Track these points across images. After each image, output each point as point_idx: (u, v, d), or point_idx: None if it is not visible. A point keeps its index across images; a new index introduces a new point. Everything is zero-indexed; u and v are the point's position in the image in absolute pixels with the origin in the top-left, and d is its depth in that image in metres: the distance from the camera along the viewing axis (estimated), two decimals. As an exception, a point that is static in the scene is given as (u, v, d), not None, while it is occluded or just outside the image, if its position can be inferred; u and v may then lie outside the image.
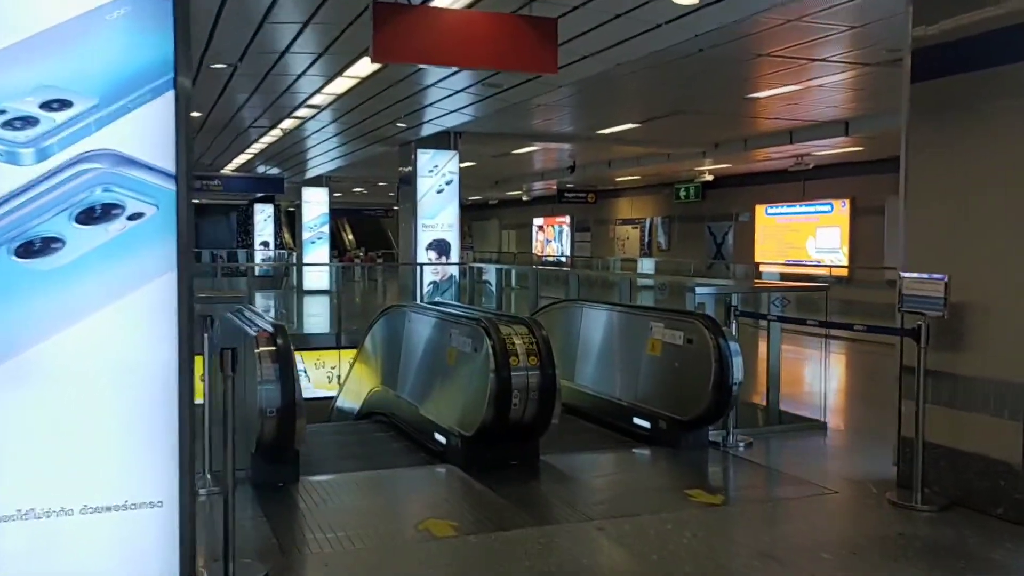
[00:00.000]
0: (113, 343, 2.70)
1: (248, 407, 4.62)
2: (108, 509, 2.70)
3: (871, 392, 8.17)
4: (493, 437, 4.99)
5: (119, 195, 2.70)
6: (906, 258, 4.71)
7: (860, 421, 6.82)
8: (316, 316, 16.31)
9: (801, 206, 18.41)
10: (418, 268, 12.81)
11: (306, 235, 21.75)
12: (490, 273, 12.83)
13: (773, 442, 5.93)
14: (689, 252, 21.57)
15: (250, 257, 31.61)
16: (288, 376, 4.48)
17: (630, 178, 21.82)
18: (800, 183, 18.07)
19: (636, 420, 5.98)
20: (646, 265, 22.11)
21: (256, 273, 28.67)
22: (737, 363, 5.42)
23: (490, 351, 4.93)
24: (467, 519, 4.16)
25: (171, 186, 2.75)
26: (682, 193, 21.79)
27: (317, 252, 21.47)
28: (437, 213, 13.15)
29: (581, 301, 7.22)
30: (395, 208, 34.25)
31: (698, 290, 6.13)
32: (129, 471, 2.73)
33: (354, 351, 12.18)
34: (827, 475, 5.11)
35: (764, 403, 6.55)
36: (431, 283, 13.07)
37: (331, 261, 23.52)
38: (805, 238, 18.30)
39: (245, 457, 4.74)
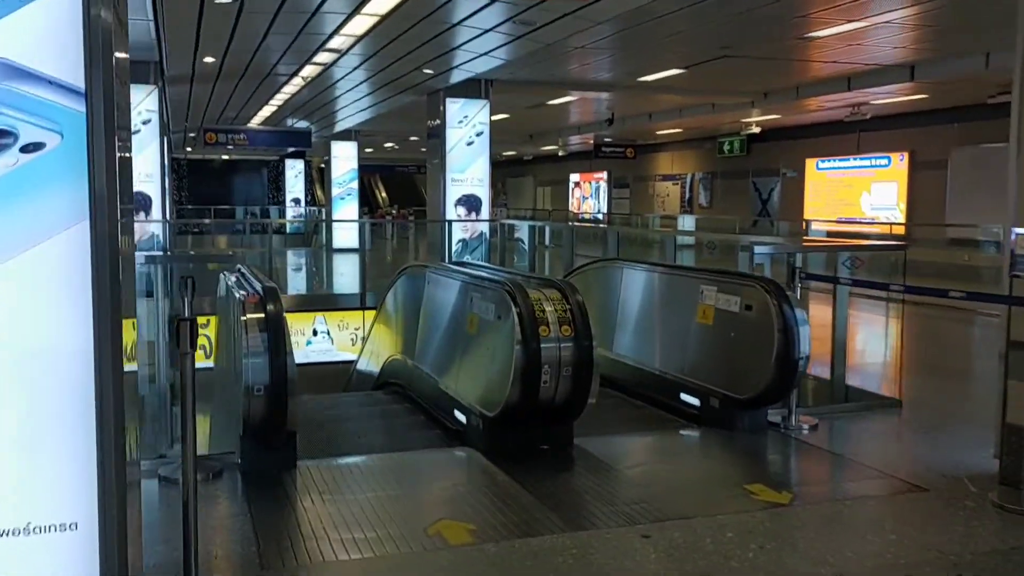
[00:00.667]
0: (3, 319, 2.04)
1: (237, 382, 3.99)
2: (3, 534, 2.06)
3: (947, 363, 7.35)
4: (519, 419, 4.31)
5: (8, 119, 2.01)
6: (1018, 212, 3.90)
7: (940, 399, 6.01)
8: (345, 275, 15.73)
9: (855, 160, 17.32)
10: (446, 225, 12.10)
11: (335, 191, 21.15)
12: (522, 230, 12.09)
13: (841, 424, 5.18)
14: (732, 209, 20.58)
15: (281, 214, 31.20)
16: (278, 348, 3.82)
17: (671, 131, 20.81)
18: (855, 135, 16.97)
19: (684, 396, 5.27)
20: (686, 223, 21.18)
21: (287, 230, 28.35)
22: (804, 333, 4.67)
23: (516, 319, 4.22)
24: (487, 521, 3.49)
25: (80, 107, 2.05)
26: (726, 147, 20.75)
27: (346, 209, 20.86)
28: (467, 167, 12.39)
29: (621, 261, 6.48)
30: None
31: (757, 248, 5.35)
32: (32, 486, 2.08)
33: (373, 313, 11.60)
34: (911, 467, 4.35)
35: (828, 377, 5.79)
36: (460, 241, 12.36)
37: (361, 217, 22.94)
38: (859, 194, 17.24)
39: (235, 440, 4.12)
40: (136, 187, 10.85)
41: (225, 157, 33.03)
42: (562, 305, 4.35)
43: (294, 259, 22.52)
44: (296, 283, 15.54)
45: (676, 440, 4.94)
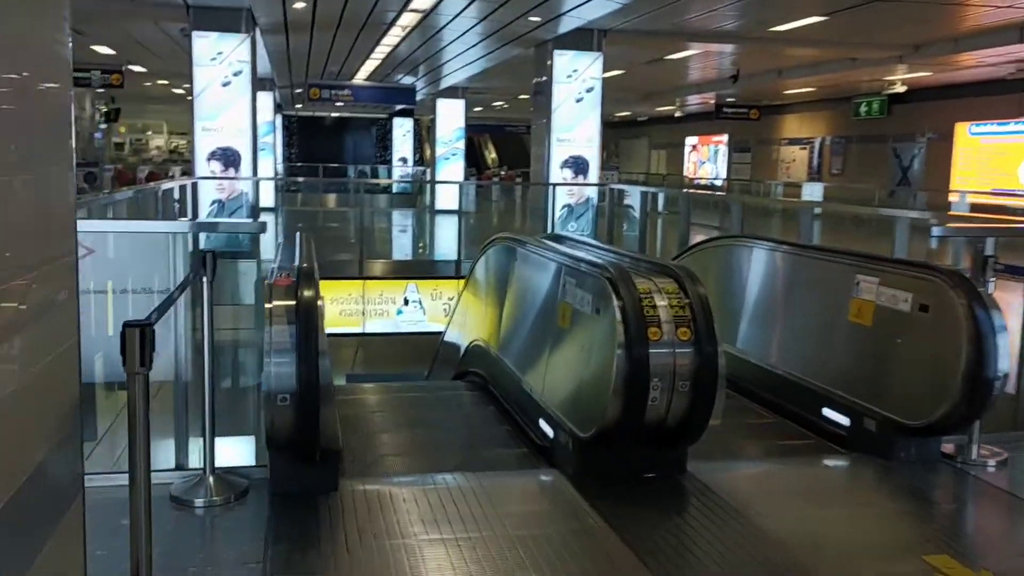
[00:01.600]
0: None
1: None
2: None
3: None
4: (619, 441, 3.36)
5: None
6: None
7: None
8: (446, 239, 15.03)
9: (1016, 124, 15.33)
10: (550, 189, 11.14)
11: (440, 151, 20.45)
12: (633, 196, 11.00)
13: (1038, 459, 4.01)
14: (867, 177, 18.80)
15: (389, 173, 30.89)
16: (309, 348, 2.98)
17: (802, 90, 19.11)
18: (1016, 96, 14.99)
19: (827, 412, 4.19)
20: (814, 191, 19.51)
21: (393, 190, 27.98)
22: (1003, 344, 3.53)
23: (618, 315, 3.26)
24: (567, 592, 2.58)
25: None
26: (863, 108, 18.91)
27: (451, 169, 20.14)
28: (574, 126, 11.37)
29: (749, 239, 5.38)
30: (538, 124, 32.62)
31: (936, 229, 4.18)
32: None
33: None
34: None
35: (1014, 393, 4.59)
36: (565, 207, 11.39)
37: (466, 179, 22.20)
38: (1018, 163, 15.28)
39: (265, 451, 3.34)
40: (226, 142, 10.34)
41: (335, 115, 32.92)
42: (679, 299, 3.35)
43: (399, 220, 22.06)
44: (395, 247, 14.94)
45: (821, 473, 3.88)
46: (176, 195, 9.90)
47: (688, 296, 3.37)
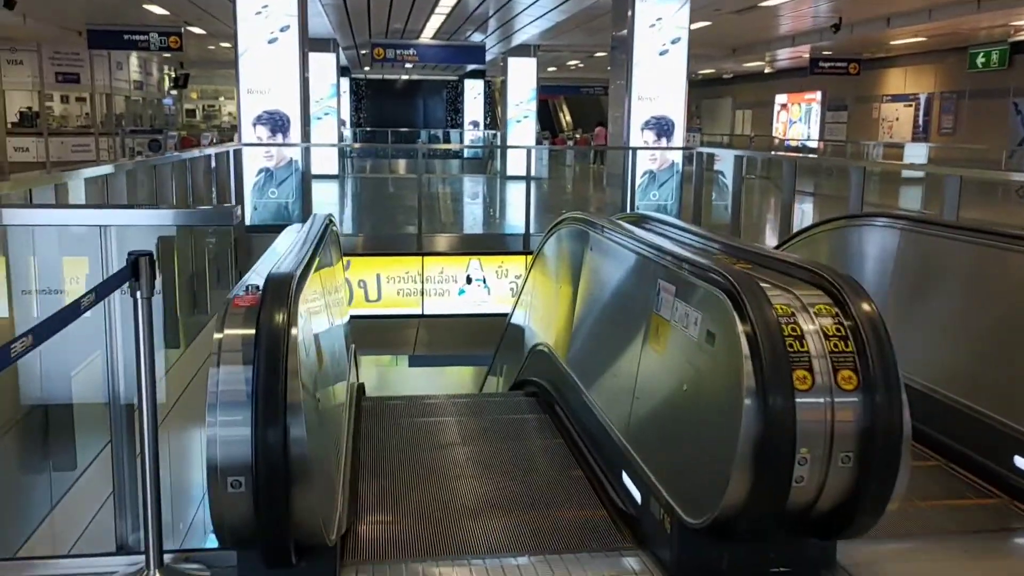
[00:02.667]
0: None
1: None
2: None
3: None
4: (746, 530, 2.26)
5: None
6: None
7: None
8: (517, 209, 13.93)
9: None
10: (629, 153, 9.93)
11: (511, 113, 19.29)
12: (724, 161, 9.73)
13: None
14: (982, 137, 16.92)
15: (460, 138, 29.91)
16: (274, 399, 1.95)
17: (911, 40, 17.25)
18: None
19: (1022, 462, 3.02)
20: (917, 152, 17.74)
21: (464, 155, 26.98)
22: None
23: (744, 348, 2.15)
24: None
25: None
26: (979, 60, 16.98)
27: (521, 132, 18.98)
28: (657, 82, 10.09)
29: (889, 218, 4.14)
30: (615, 85, 31.12)
31: None
32: None
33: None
34: None
35: None
36: (646, 172, 10.17)
37: (538, 143, 21.01)
38: None
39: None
40: (273, 105, 9.43)
41: (404, 77, 32.00)
42: (837, 323, 2.22)
43: (469, 187, 21.05)
44: (465, 217, 13.91)
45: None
46: (226, 163, 9.08)
47: (852, 317, 2.22)
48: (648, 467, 2.68)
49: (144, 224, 2.48)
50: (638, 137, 10.13)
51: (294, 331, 2.05)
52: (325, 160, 18.14)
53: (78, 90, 19.13)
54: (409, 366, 18.37)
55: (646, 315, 2.84)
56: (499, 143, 22.98)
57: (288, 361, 2.00)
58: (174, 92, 27.82)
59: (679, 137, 10.23)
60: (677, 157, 10.22)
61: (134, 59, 21.67)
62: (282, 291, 2.11)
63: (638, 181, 9.99)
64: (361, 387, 4.65)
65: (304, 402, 2.03)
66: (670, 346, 2.62)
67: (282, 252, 2.64)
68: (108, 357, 2.49)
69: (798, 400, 2.11)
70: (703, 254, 2.79)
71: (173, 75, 26.92)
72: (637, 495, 2.74)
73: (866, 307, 2.24)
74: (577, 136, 31.19)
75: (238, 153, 9.18)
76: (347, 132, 27.76)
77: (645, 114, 10.10)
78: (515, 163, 18.35)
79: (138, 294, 2.17)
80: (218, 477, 1.95)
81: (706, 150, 9.87)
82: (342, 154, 18.66)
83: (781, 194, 13.79)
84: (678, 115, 10.19)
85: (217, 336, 2.04)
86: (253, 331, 2.03)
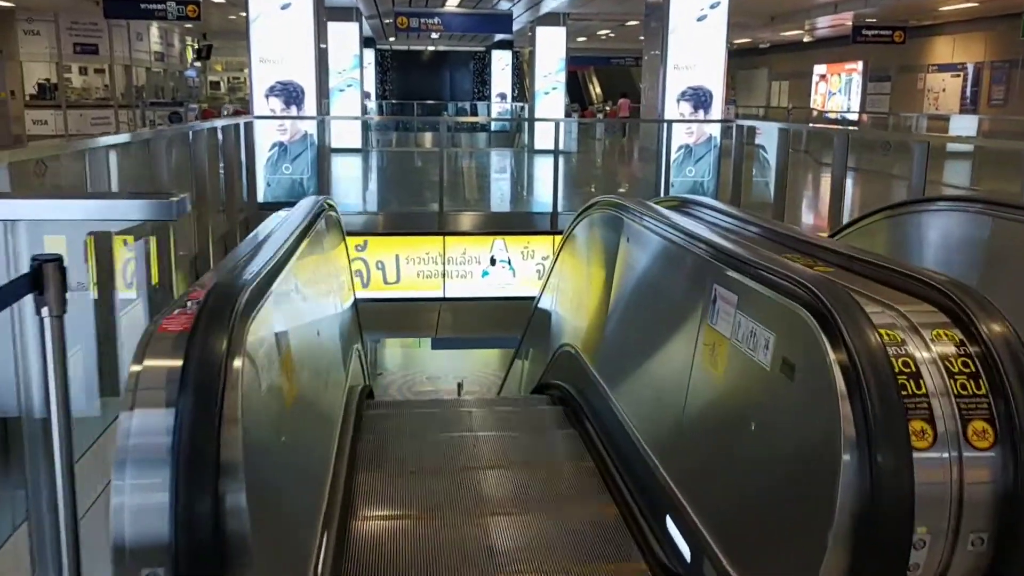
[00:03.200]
0: None
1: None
2: None
3: None
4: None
5: None
6: None
7: None
8: (544, 184, 13.32)
9: None
10: (664, 126, 9.30)
11: (539, 84, 18.61)
12: (767, 135, 9.08)
13: None
14: (1036, 108, 16.03)
15: (488, 110, 29.27)
16: (199, 456, 1.44)
17: (961, 6, 16.34)
18: None
19: None
20: (965, 124, 16.86)
21: (491, 128, 26.35)
22: None
23: (839, 385, 1.60)
24: None
25: None
26: (1035, 27, 16.00)
27: (550, 104, 18.32)
28: (695, 50, 9.43)
29: (976, 203, 3.53)
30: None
31: None
32: None
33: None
34: None
35: None
36: (682, 147, 9.54)
37: (567, 115, 20.33)
38: None
39: None
40: (286, 75, 8.91)
41: (431, 48, 31.34)
42: (961, 353, 1.67)
43: (496, 162, 20.45)
44: (491, 193, 13.34)
45: None
46: (236, 136, 8.58)
47: (981, 343, 1.67)
48: (700, 517, 2.15)
49: (41, 218, 1.98)
50: (673, 109, 9.51)
51: (237, 363, 1.53)
52: (348, 133, 17.64)
53: (97, 61, 18.75)
54: (432, 348, 17.96)
55: (697, 326, 2.30)
56: (526, 116, 22.33)
57: (225, 404, 1.48)
58: (197, 64, 27.41)
59: (717, 109, 9.58)
60: (715, 130, 9.58)
61: (155, 30, 21.26)
62: (224, 310, 1.59)
63: (673, 156, 9.37)
64: (366, 391, 4.16)
65: (256, 452, 1.53)
66: (730, 371, 2.08)
67: (245, 252, 2.12)
68: (19, 375, 2.00)
69: (919, 457, 1.56)
70: (768, 251, 2.23)
71: (196, 46, 26.50)
72: (685, 550, 2.21)
73: (1001, 330, 1.68)
74: (607, 108, 30.41)
75: (249, 126, 8.68)
76: (372, 105, 27.22)
77: (681, 84, 9.46)
78: (543, 136, 17.70)
79: (44, 311, 1.66)
80: (126, 563, 1.45)
81: (747, 123, 9.23)
82: (366, 127, 18.13)
83: (820, 169, 13.07)
84: (716, 85, 9.54)
85: (133, 369, 1.53)
86: (180, 364, 1.51)
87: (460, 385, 16.10)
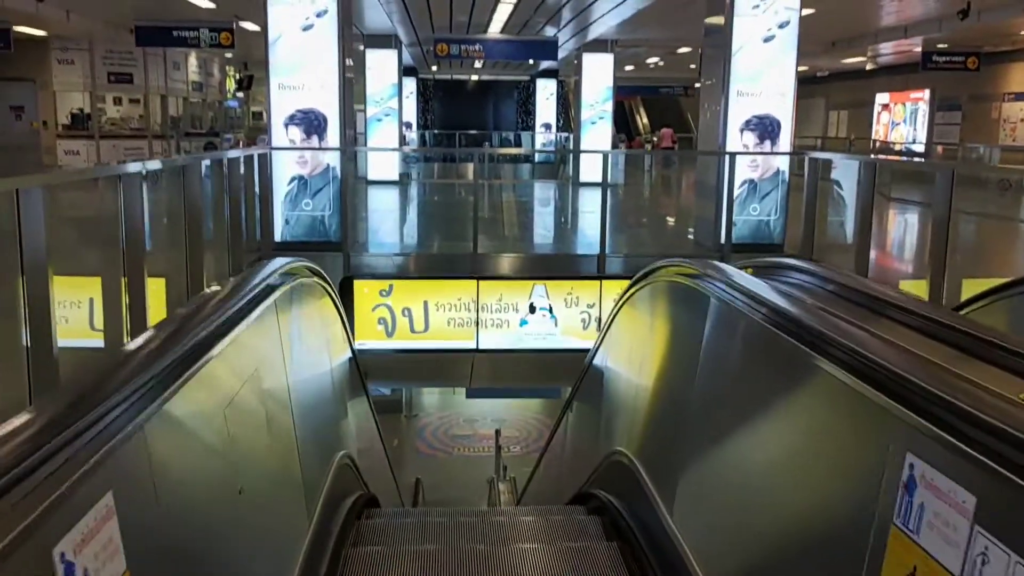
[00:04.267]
0: None
1: None
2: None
3: None
4: None
5: None
6: None
7: None
8: (590, 221, 12.35)
9: None
10: (726, 159, 8.30)
11: (585, 114, 17.72)
12: (844, 168, 8.04)
13: None
14: None
15: (532, 140, 28.50)
16: None
17: (1044, 30, 15.10)
18: None
19: None
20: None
21: (535, 159, 25.54)
22: None
23: None
24: None
25: None
26: None
27: (596, 135, 17.41)
28: (761, 75, 8.45)
29: None
30: (696, 84, 29.21)
31: None
32: None
33: (619, 285, 8.17)
34: None
35: None
36: (745, 182, 8.53)
37: (614, 146, 19.42)
38: None
39: None
40: (307, 103, 8.12)
41: (474, 78, 30.74)
42: None
43: (540, 194, 19.55)
44: (533, 231, 12.40)
45: None
46: (251, 170, 7.78)
47: None
48: None
49: None
50: (736, 140, 8.50)
51: None
52: (386, 165, 16.92)
53: (131, 91, 18.33)
54: (467, 398, 16.97)
55: (871, 519, 1.30)
56: (571, 147, 21.45)
57: None
58: (240, 95, 27.09)
59: (786, 140, 8.56)
60: (783, 164, 8.55)
61: (193, 59, 20.87)
62: None
63: (737, 191, 8.36)
64: (362, 501, 3.20)
65: None
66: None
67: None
68: None
69: None
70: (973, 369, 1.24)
71: (237, 76, 26.18)
72: None
73: None
74: (654, 139, 29.46)
75: (264, 158, 7.88)
76: (413, 135, 26.61)
77: (745, 113, 8.46)
78: (589, 168, 16.80)
79: None
80: None
81: (821, 155, 8.18)
82: (406, 158, 17.39)
83: (889, 206, 11.89)
84: (784, 114, 8.53)
85: None
86: None
87: (498, 432, 15.09)
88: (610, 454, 3.10)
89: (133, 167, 4.36)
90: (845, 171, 8.35)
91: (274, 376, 2.17)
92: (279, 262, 2.37)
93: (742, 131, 8.51)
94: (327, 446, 2.82)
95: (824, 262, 7.80)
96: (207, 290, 2.21)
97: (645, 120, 34.51)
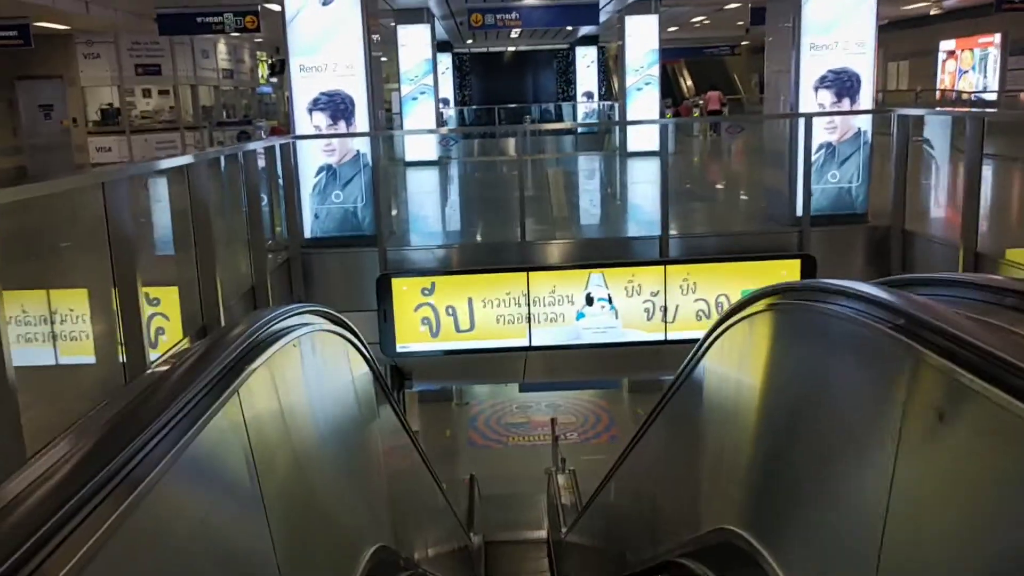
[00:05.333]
0: None
1: None
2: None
3: None
4: None
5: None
6: None
7: None
8: (643, 195, 11.43)
9: None
10: (800, 122, 7.36)
11: (630, 80, 16.72)
12: (933, 126, 7.08)
13: None
14: None
15: (573, 111, 27.53)
16: None
17: None
18: None
19: None
20: None
21: (578, 131, 24.57)
22: None
23: None
24: None
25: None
26: None
27: (642, 102, 16.42)
28: (836, 23, 7.48)
29: None
30: (743, 43, 27.82)
31: None
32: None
33: (685, 269, 7.32)
34: None
35: None
36: (823, 146, 7.59)
37: (662, 113, 18.41)
38: None
39: None
40: (332, 85, 7.39)
41: (511, 49, 29.77)
42: None
43: (584, 168, 18.64)
44: (581, 210, 11.55)
45: None
46: (273, 162, 7.08)
47: None
48: None
49: None
50: (810, 99, 7.57)
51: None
52: (423, 145, 16.16)
53: (160, 83, 17.83)
54: (520, 392, 16.26)
55: None
56: (617, 117, 20.45)
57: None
58: (273, 80, 26.55)
59: (867, 96, 7.59)
60: (865, 124, 7.59)
61: (222, 46, 20.31)
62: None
63: (813, 156, 7.43)
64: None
65: None
66: None
67: None
68: None
69: None
70: None
71: (270, 62, 25.64)
72: None
73: None
74: (700, 102, 28.24)
75: (287, 148, 7.18)
76: (451, 112, 25.81)
77: (820, 68, 7.51)
78: (636, 137, 15.86)
79: None
80: None
81: (912, 111, 7.20)
82: (444, 138, 16.62)
83: (959, 159, 10.81)
84: (865, 67, 7.56)
85: None
86: None
87: (554, 421, 14.36)
88: (717, 530, 2.33)
89: (118, 173, 3.68)
90: (933, 128, 7.38)
91: (240, 500, 1.45)
92: (257, 322, 1.64)
93: (816, 89, 7.57)
94: (349, 547, 2.11)
95: (922, 234, 6.88)
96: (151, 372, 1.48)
97: (690, 83, 33.22)
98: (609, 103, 25.20)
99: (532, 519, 12.05)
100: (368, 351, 2.89)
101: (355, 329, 2.69)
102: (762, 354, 2.26)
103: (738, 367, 2.45)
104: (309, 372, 2.13)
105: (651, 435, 3.77)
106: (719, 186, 14.00)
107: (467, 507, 11.31)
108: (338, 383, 2.52)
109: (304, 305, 2.14)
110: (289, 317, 1.90)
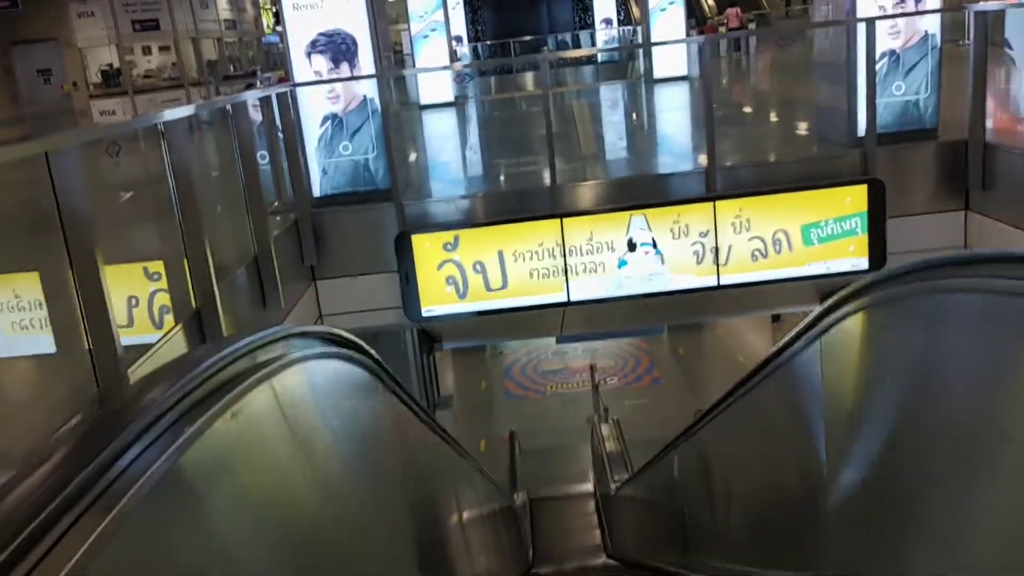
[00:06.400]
0: None
1: None
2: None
3: None
4: None
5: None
6: None
7: None
8: (674, 126, 10.54)
9: None
10: (859, 28, 6.47)
11: (652, 1, 15.67)
12: (1015, 22, 6.19)
13: None
14: None
15: (592, 40, 26.31)
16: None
17: None
18: None
19: None
20: None
21: (598, 59, 23.46)
22: None
23: None
24: None
25: None
26: None
27: (667, 23, 15.39)
28: (893, -88, 6.53)
29: None
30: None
31: None
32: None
33: (737, 204, 6.56)
34: None
35: None
36: (885, 54, 6.71)
37: (687, 33, 17.33)
38: None
39: None
40: (331, 23, 6.63)
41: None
42: None
43: (608, 98, 17.68)
44: (607, 145, 10.73)
45: None
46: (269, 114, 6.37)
47: None
48: None
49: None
50: (870, 2, 6.67)
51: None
52: (438, 87, 15.31)
53: (159, 38, 17.05)
54: (557, 343, 15.63)
55: None
56: (640, 41, 19.38)
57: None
58: (279, 28, 25.60)
59: (934, -5, 6.68)
60: (933, 26, 6.69)
61: (221, -4, 19.44)
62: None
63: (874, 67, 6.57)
64: None
65: None
66: None
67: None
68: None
69: None
70: None
71: (274, 9, 24.66)
72: None
73: None
74: (724, 20, 26.89)
75: (285, 98, 6.46)
76: (464, 50, 24.75)
77: (879, -36, 6.60)
78: (662, 62, 14.89)
79: None
80: None
81: (990, 6, 6.28)
82: (459, 76, 15.75)
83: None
84: (931, -41, 6.63)
85: None
86: None
87: (593, 368, 13.78)
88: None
89: (63, 142, 3.02)
90: (1015, 27, 6.46)
91: None
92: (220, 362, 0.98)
93: (876, -10, 6.67)
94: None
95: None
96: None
97: (711, 2, 31.75)
98: (630, 27, 24.01)
99: (577, 472, 11.58)
100: (389, 375, 2.19)
101: (364, 347, 2.00)
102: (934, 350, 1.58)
103: (881, 364, 1.76)
104: (324, 418, 1.47)
105: (729, 419, 3.10)
106: (753, 107, 13.07)
107: (508, 464, 10.82)
108: (361, 429, 1.85)
109: (283, 329, 1.48)
110: (239, 359, 1.23)
